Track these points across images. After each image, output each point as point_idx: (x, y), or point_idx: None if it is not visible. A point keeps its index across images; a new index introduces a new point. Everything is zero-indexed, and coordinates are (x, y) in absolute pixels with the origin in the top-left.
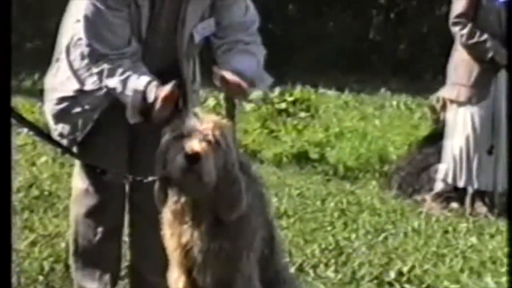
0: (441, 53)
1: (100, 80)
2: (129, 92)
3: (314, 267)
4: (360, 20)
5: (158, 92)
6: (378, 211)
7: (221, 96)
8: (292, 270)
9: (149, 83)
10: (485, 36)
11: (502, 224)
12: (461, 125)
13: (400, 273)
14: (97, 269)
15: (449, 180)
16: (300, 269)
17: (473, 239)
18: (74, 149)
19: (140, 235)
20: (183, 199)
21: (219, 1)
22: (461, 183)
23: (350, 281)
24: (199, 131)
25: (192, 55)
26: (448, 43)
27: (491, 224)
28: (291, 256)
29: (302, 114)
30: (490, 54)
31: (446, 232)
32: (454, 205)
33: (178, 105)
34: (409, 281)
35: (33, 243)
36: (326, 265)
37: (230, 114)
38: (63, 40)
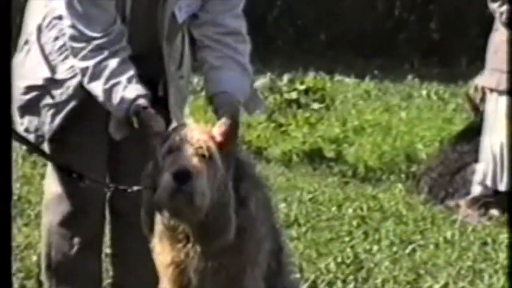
0: (479, 34)
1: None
2: (114, 102)
3: (330, 284)
4: None
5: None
6: (404, 219)
7: None
8: (303, 287)
9: (136, 98)
10: None
11: None
12: (502, 118)
13: None
14: (74, 287)
15: (488, 182)
16: (313, 286)
17: None
18: (45, 148)
19: (124, 248)
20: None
21: None
22: (502, 187)
23: None
24: (190, 143)
25: (175, 37)
26: (486, 22)
27: None
28: (302, 271)
29: (316, 106)
30: None
31: (484, 243)
32: (494, 212)
33: (157, 93)
34: None
35: None
36: (344, 282)
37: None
38: (33, 19)
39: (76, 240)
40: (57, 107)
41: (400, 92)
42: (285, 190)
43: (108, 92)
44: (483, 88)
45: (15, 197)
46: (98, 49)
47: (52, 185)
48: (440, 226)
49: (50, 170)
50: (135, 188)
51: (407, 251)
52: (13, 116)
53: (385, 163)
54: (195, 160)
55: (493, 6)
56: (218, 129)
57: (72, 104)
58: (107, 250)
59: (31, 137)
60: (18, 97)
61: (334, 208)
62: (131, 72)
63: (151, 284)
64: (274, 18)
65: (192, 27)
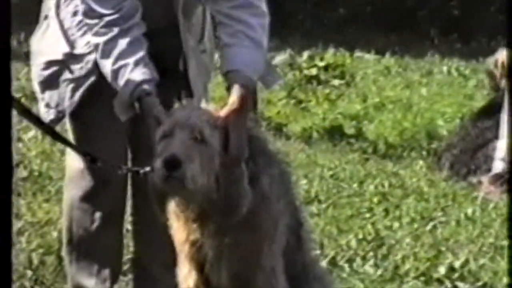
0: (499, 10)
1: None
2: (120, 84)
3: (350, 260)
4: None
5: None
6: (425, 196)
7: None
8: (323, 264)
9: (141, 83)
10: None
11: None
12: None
13: (451, 269)
14: (95, 262)
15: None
16: (333, 262)
17: None
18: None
19: (145, 223)
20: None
21: None
22: None
23: (392, 277)
24: (186, 125)
25: (192, 10)
26: None
27: None
28: (322, 247)
29: (336, 82)
30: None
31: (506, 220)
32: None
33: (178, 66)
34: (462, 278)
35: (19, 232)
36: (364, 259)
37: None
38: None
39: (97, 215)
40: (77, 82)
41: (420, 68)
42: (306, 166)
43: (115, 73)
44: (503, 63)
45: (35, 173)
46: (109, 25)
47: (74, 160)
48: (462, 202)
49: None
50: (147, 169)
51: (428, 228)
52: (35, 91)
53: (406, 140)
54: (187, 145)
55: None
56: (226, 108)
57: (91, 79)
58: (128, 226)
59: (52, 112)
60: (39, 73)
61: (355, 185)
62: (140, 54)
63: (169, 259)
64: None
65: (205, 1)
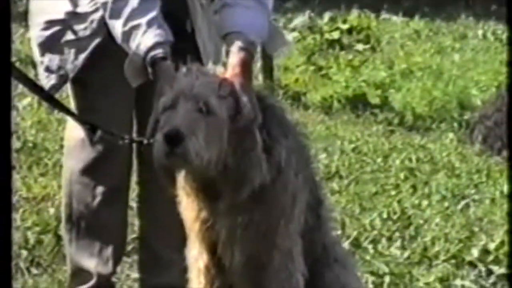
0: None
1: (104, 11)
2: (132, 46)
3: (374, 241)
4: None
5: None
6: (456, 171)
7: None
8: (345, 245)
9: (154, 46)
10: None
11: None
12: None
13: (485, 251)
14: (96, 241)
15: None
16: (356, 244)
17: None
18: (67, 89)
19: (151, 199)
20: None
21: None
22: None
23: (420, 260)
24: (190, 96)
25: None
26: None
27: None
28: (344, 227)
29: (360, 47)
30: None
31: None
32: None
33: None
34: (496, 261)
35: (14, 209)
36: (390, 240)
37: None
38: None
39: (99, 189)
40: (81, 43)
41: (453, 32)
42: (325, 139)
43: (127, 34)
44: None
45: (30, 145)
46: None
47: (74, 129)
48: (496, 179)
49: None
50: (152, 140)
51: (460, 206)
52: (34, 55)
53: (436, 110)
54: (191, 118)
55: None
56: (226, 73)
57: (97, 40)
58: (132, 203)
59: (53, 77)
60: (38, 33)
61: (379, 159)
62: (153, 13)
63: (178, 239)
64: None
65: None
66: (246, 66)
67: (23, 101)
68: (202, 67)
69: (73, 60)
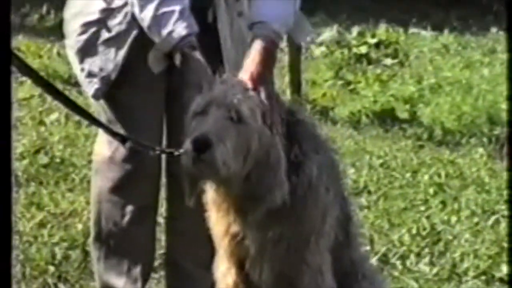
0: None
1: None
2: (163, 33)
3: (403, 257)
4: None
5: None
6: (486, 187)
7: None
8: (373, 261)
9: (187, 36)
10: None
11: None
12: None
13: None
14: (125, 260)
15: None
16: (385, 260)
17: None
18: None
19: (179, 216)
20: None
21: None
22: None
23: (450, 276)
24: (221, 103)
25: None
26: None
27: None
28: (372, 243)
29: (388, 61)
30: None
31: None
32: None
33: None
34: None
35: (41, 224)
36: (418, 256)
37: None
38: None
39: (128, 208)
40: (118, 39)
41: (482, 46)
42: (354, 154)
43: (158, 20)
44: None
45: (57, 160)
46: None
47: (103, 146)
48: None
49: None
50: (182, 151)
51: (490, 222)
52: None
53: (465, 125)
54: (220, 125)
55: None
56: (246, 65)
57: (134, 32)
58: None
59: (96, 80)
60: (75, 39)
61: (408, 175)
62: (185, 2)
63: (207, 255)
64: None
65: None
66: (267, 55)
67: (51, 116)
68: (237, 77)
69: (114, 58)
